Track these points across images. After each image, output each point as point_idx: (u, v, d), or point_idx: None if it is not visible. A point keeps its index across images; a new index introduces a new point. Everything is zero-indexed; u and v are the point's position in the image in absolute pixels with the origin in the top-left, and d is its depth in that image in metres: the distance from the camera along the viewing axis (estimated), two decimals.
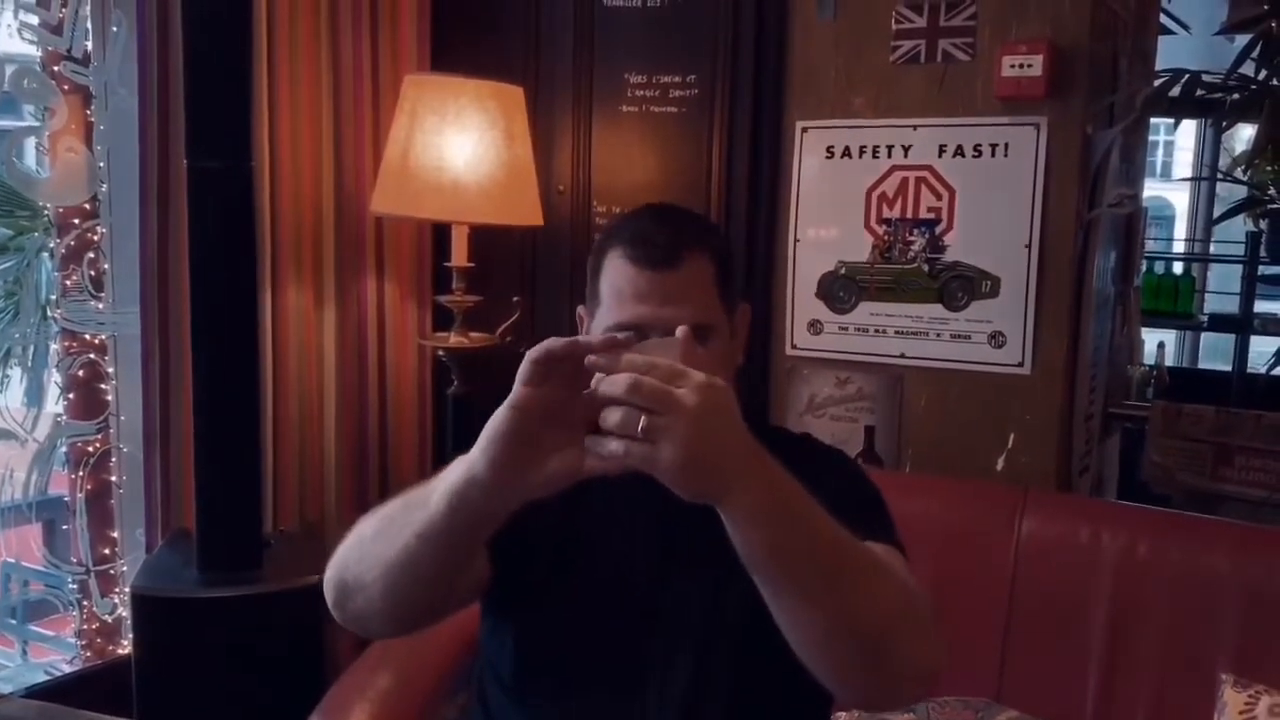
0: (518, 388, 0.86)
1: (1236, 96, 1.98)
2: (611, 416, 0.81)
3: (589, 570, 1.14)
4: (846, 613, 0.89)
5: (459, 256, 2.35)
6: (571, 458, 0.87)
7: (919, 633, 0.95)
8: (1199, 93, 2.00)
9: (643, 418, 0.79)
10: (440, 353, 2.45)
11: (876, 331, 2.30)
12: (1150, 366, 3.39)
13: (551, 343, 0.85)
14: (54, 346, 2.51)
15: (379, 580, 0.99)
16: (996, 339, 2.18)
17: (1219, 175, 5.18)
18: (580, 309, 1.19)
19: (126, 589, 2.30)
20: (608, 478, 1.11)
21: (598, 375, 0.83)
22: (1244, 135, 5.59)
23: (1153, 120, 2.57)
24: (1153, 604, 1.71)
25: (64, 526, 2.55)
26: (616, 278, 1.10)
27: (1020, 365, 2.17)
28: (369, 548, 1.01)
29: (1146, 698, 1.68)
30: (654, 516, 1.13)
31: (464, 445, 2.72)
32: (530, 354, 0.85)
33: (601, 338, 0.86)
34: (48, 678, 2.43)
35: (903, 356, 2.28)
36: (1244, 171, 4.24)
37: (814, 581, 0.87)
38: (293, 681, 1.91)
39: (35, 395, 3.09)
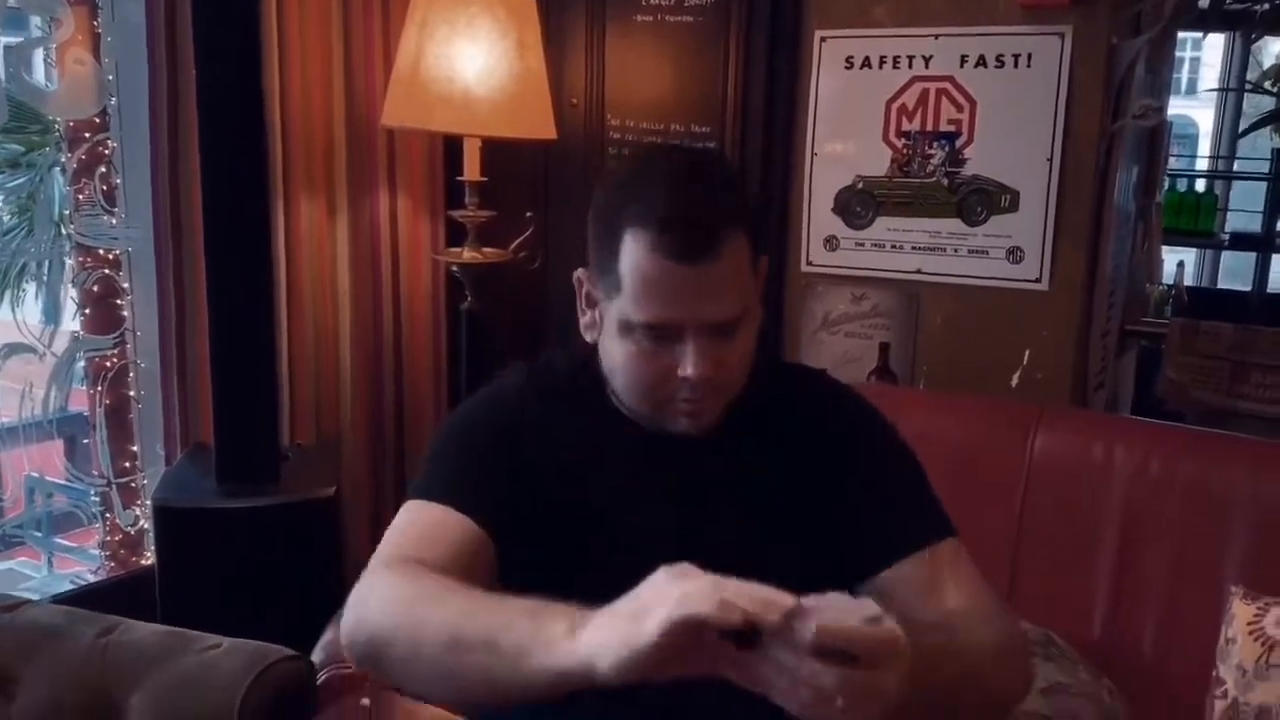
0: (662, 628, 0.70)
1: (1267, 7, 1.93)
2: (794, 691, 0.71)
3: (608, 549, 1.05)
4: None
5: (471, 171, 2.33)
6: (708, 664, 0.73)
7: (1018, 683, 1.01)
8: (1228, 4, 1.94)
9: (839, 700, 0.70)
10: (454, 268, 2.44)
11: (893, 247, 2.28)
12: (1168, 286, 3.37)
13: (697, 615, 0.69)
14: (69, 262, 2.51)
15: (440, 693, 0.90)
16: (1015, 254, 2.16)
17: (1247, 86, 5.05)
18: (580, 273, 1.07)
19: (147, 502, 2.34)
20: (623, 449, 1.06)
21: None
22: (1273, 50, 5.47)
23: (1179, 35, 2.50)
24: (1164, 518, 1.71)
25: (85, 441, 2.58)
26: (647, 267, 0.96)
27: (1038, 281, 2.15)
28: (427, 655, 0.85)
29: (1155, 609, 1.70)
30: (674, 486, 1.07)
31: (477, 361, 2.69)
32: (672, 618, 0.69)
33: (774, 619, 0.70)
34: (73, 588, 2.48)
35: (919, 272, 2.26)
36: (1273, 84, 4.15)
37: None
38: (312, 591, 1.94)
39: (52, 312, 3.11)
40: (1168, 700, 1.63)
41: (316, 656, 1.60)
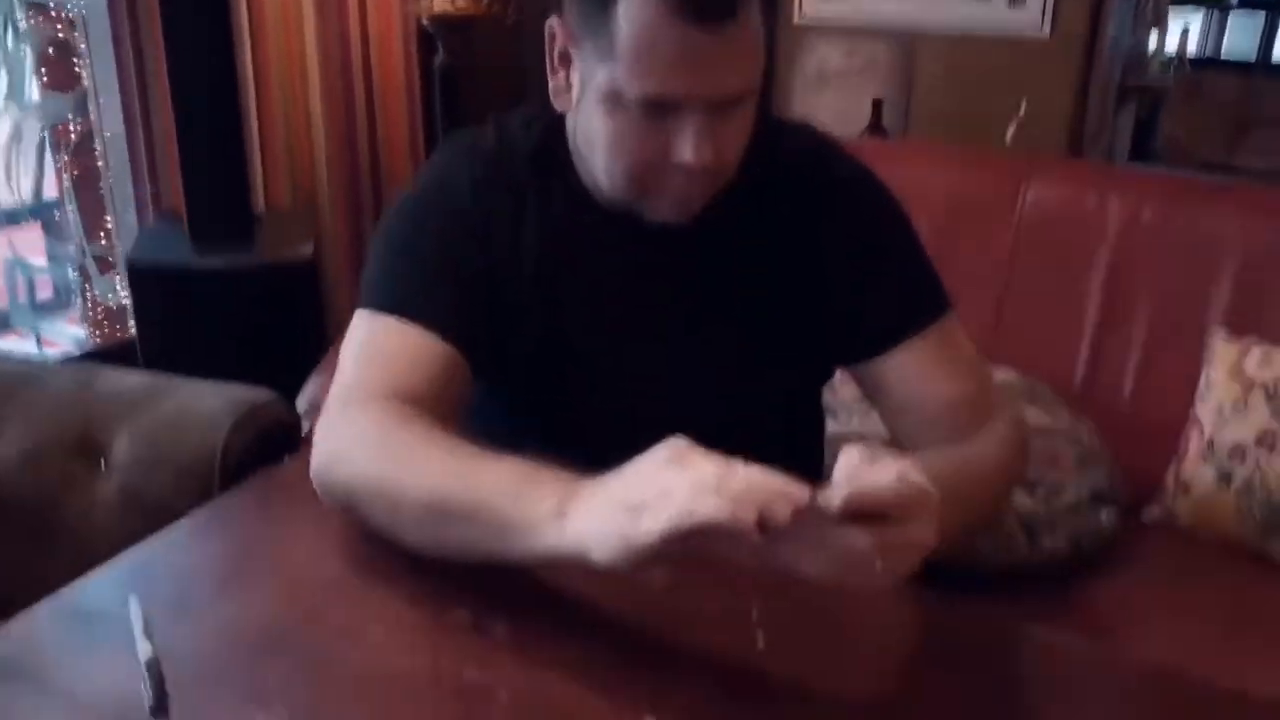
0: (666, 533, 0.66)
1: None
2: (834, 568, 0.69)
3: (588, 339, 0.99)
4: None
5: None
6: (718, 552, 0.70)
7: (1020, 474, 1.04)
8: None
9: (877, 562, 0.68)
10: (424, 21, 2.32)
11: None
12: (1171, 56, 3.27)
13: (707, 521, 0.64)
14: (22, 25, 2.37)
15: (421, 552, 0.81)
16: None
17: None
18: (554, 23, 0.89)
19: (125, 273, 2.30)
20: (599, 238, 0.97)
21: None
22: None
23: None
24: (1153, 265, 1.70)
25: (58, 217, 2.52)
26: (653, 27, 0.80)
27: (1039, 29, 2.06)
28: (407, 519, 0.80)
29: (1138, 354, 1.70)
30: (662, 278, 0.99)
31: (452, 119, 2.59)
32: (678, 526, 0.65)
33: (785, 516, 0.64)
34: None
35: (917, 22, 2.16)
36: None
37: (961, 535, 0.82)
38: (295, 347, 1.94)
39: (18, 92, 2.98)
40: (1145, 441, 1.65)
41: (300, 407, 1.60)
